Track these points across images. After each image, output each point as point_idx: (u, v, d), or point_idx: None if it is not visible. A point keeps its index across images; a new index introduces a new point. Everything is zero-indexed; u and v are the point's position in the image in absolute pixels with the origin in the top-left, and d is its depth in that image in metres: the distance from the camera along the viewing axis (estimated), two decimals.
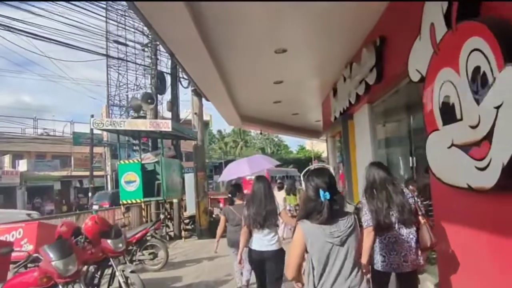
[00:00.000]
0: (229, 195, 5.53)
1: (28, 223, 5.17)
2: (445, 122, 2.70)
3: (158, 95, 13.63)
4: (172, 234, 10.92)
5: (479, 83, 2.25)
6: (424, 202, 4.62)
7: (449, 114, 2.62)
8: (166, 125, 9.31)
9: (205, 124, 19.55)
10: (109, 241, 4.41)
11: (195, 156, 11.37)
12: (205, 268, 7.18)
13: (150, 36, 13.14)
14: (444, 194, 2.95)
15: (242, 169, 9.61)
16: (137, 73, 22.18)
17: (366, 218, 2.91)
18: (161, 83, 12.91)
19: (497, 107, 2.07)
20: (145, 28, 13.04)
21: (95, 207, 16.56)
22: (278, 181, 9.39)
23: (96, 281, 4.51)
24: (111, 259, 4.52)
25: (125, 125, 9.38)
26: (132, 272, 4.49)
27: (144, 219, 10.46)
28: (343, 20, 4.61)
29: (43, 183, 27.21)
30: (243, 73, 6.89)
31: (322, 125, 10.64)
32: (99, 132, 23.39)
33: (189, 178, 11.63)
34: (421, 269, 3.11)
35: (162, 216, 10.30)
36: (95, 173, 23.97)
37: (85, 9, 14.09)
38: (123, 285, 4.44)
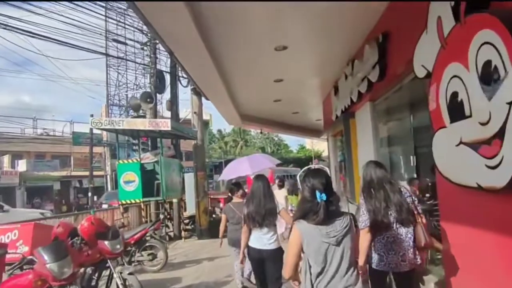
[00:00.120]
0: (229, 194, 5.59)
1: (24, 224, 5.07)
2: (453, 119, 2.60)
3: (158, 94, 13.55)
4: (172, 234, 10.84)
5: (490, 77, 2.14)
6: (428, 202, 4.57)
7: (457, 110, 2.52)
8: (165, 124, 9.22)
9: (205, 124, 19.50)
10: (106, 242, 4.32)
11: (195, 156, 11.29)
12: (205, 268, 7.10)
13: (149, 35, 13.05)
14: (451, 193, 2.85)
15: (243, 168, 9.56)
16: (137, 72, 22.12)
17: (363, 218, 2.90)
18: (160, 82, 12.83)
19: (510, 103, 1.97)
20: (145, 27, 12.96)
21: (105, 206, 16.60)
22: (277, 181, 9.28)
23: (93, 283, 4.42)
24: (108, 260, 4.43)
25: (124, 125, 9.28)
26: (130, 274, 4.40)
27: (143, 219, 10.38)
28: (345, 16, 4.52)
29: (42, 183, 27.14)
30: (243, 71, 6.80)
31: (323, 124, 10.55)
32: (99, 132, 23.33)
33: (189, 177, 11.56)
34: (419, 268, 3.06)
35: (161, 216, 10.21)
36: (94, 173, 23.85)
37: (84, 7, 13.98)
38: (121, 287, 4.35)
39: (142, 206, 10.21)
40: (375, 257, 2.93)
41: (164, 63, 15.86)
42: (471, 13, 2.33)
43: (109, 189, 25.17)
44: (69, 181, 29.37)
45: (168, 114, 13.57)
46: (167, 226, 10.71)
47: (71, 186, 29.70)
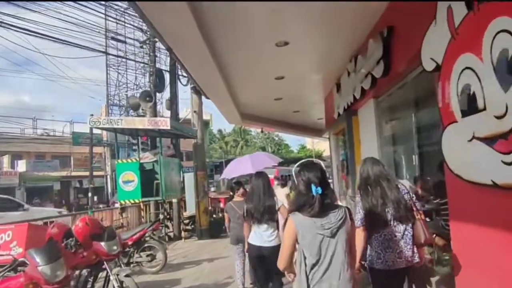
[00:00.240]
0: (231, 193, 5.67)
1: (18, 225, 4.94)
2: (465, 114, 2.46)
3: (157, 94, 13.44)
4: (171, 234, 10.73)
5: (506, 68, 2.01)
6: (435, 201, 4.42)
7: (469, 104, 2.38)
8: (164, 123, 9.12)
9: (205, 124, 19.40)
10: (102, 243, 4.18)
11: (195, 155, 11.17)
12: (205, 270, 6.97)
13: (148, 33, 12.93)
14: (463, 191, 2.71)
15: (244, 167, 9.43)
16: (137, 72, 22.01)
17: (359, 217, 2.86)
18: (159, 81, 12.71)
19: None
20: (144, 25, 12.85)
21: (117, 205, 16.47)
22: (276, 182, 9.16)
23: (89, 285, 4.27)
24: (105, 262, 4.30)
25: (123, 123, 9.17)
26: (127, 276, 4.27)
27: (143, 220, 10.26)
28: (348, 10, 4.40)
29: (42, 184, 27.04)
30: (243, 68, 6.68)
31: (325, 122, 10.41)
32: (99, 132, 23.23)
33: (189, 177, 11.44)
34: (417, 265, 2.95)
35: (161, 217, 10.09)
36: (95, 173, 23.75)
37: (82, 5, 13.86)
38: None
39: (142, 206, 10.09)
40: (372, 255, 2.88)
41: (163, 62, 15.74)
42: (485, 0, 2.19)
43: (109, 189, 25.05)
44: (69, 181, 29.28)
45: (168, 114, 13.46)
46: (166, 226, 10.60)
47: (71, 187, 29.61)
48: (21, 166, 27.37)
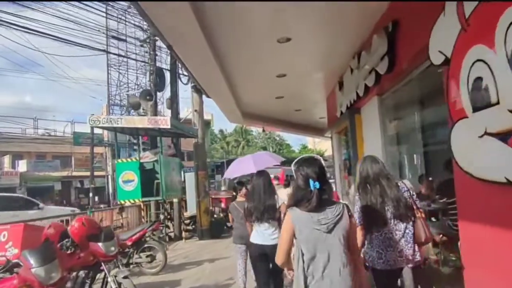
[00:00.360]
0: (233, 193, 5.67)
1: (14, 225, 4.84)
2: (476, 108, 2.34)
3: (158, 93, 13.35)
4: (172, 235, 10.64)
5: None
6: (441, 201, 4.32)
7: (481, 98, 2.26)
8: (164, 122, 9.02)
9: (207, 124, 19.30)
10: (100, 244, 4.07)
11: (196, 155, 11.08)
12: (205, 270, 6.88)
13: (148, 31, 12.84)
14: (472, 190, 2.59)
15: (247, 166, 9.32)
16: (138, 72, 21.93)
17: (356, 216, 2.83)
18: (160, 80, 12.62)
19: None
20: (144, 24, 12.76)
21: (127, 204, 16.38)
22: (275, 182, 9.06)
23: (86, 287, 4.17)
24: (102, 263, 4.19)
25: (122, 122, 9.07)
26: (125, 277, 4.17)
27: (143, 220, 10.16)
28: (352, 5, 4.29)
29: (43, 184, 26.99)
30: (245, 66, 6.58)
31: (327, 121, 10.30)
32: (100, 132, 23.15)
33: (190, 177, 11.34)
34: (417, 264, 2.91)
35: (161, 217, 10.00)
36: (96, 173, 23.67)
37: (82, 3, 13.77)
38: None
39: (142, 206, 10.00)
40: (373, 255, 2.85)
41: (164, 61, 15.63)
42: None
43: (111, 189, 24.98)
44: (70, 181, 29.24)
45: (169, 113, 13.38)
46: (167, 226, 10.51)
47: (72, 187, 29.57)
48: (22, 166, 27.33)
